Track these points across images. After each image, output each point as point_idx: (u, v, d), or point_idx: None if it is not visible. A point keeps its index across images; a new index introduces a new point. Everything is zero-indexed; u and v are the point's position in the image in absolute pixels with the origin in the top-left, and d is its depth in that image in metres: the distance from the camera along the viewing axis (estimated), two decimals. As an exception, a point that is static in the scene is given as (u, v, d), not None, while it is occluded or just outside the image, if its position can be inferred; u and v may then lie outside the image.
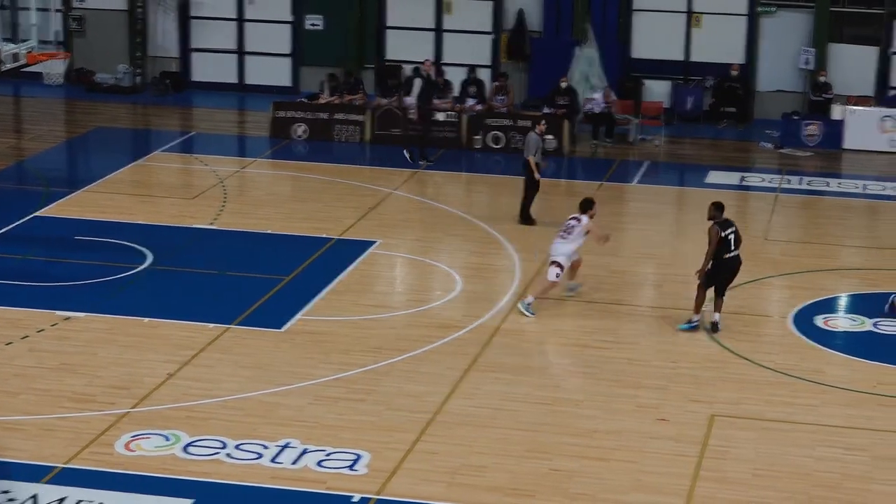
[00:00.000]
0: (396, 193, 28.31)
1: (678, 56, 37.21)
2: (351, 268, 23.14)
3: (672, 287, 22.56)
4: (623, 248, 24.92)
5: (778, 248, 24.79)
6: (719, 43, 36.80)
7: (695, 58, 37.10)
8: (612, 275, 23.17)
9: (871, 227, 27.34)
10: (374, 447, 16.09)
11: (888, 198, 29.11)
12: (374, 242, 24.57)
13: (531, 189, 26.23)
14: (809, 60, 36.21)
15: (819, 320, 20.97)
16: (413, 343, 19.54)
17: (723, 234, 20.16)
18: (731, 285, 20.62)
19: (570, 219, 21.71)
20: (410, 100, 32.92)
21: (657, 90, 36.83)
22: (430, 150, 31.13)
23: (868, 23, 36.55)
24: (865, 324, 20.89)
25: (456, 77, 34.54)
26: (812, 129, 33.86)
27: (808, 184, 29.94)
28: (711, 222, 20.29)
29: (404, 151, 31.10)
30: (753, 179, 30.18)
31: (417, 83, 32.11)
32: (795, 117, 34.24)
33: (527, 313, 20.94)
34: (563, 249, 21.41)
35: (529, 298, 21.21)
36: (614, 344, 19.83)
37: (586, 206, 21.68)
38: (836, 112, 34.12)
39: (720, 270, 20.28)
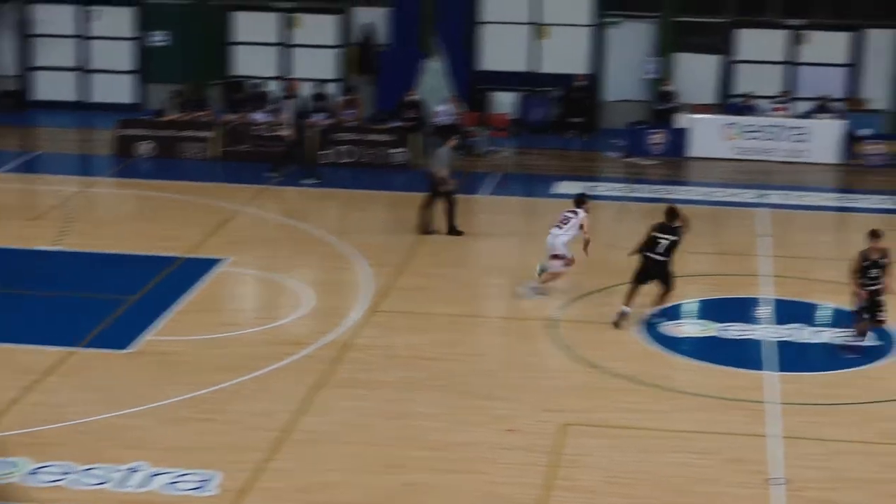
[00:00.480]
0: (245, 210, 28.13)
1: (525, 67, 37.57)
2: (200, 286, 22.92)
3: (523, 298, 22.74)
4: (473, 260, 25.06)
5: (625, 256, 25.08)
6: (565, 54, 37.25)
7: (542, 69, 37.49)
8: (463, 287, 23.27)
9: (717, 233, 27.85)
10: (226, 467, 15.93)
11: (733, 204, 29.70)
12: (224, 260, 24.37)
13: (443, 199, 26.28)
14: (654, 70, 36.81)
15: (667, 327, 21.29)
16: (263, 361, 19.40)
17: (653, 234, 21.29)
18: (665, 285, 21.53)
19: (567, 211, 22.72)
20: (261, 116, 32.77)
21: (505, 102, 37.16)
22: (286, 167, 30.92)
23: (711, 32, 37.27)
24: (711, 329, 21.26)
25: (303, 92, 34.46)
26: (657, 137, 34.41)
27: (654, 192, 30.41)
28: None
29: (270, 172, 30.77)
30: (601, 188, 30.56)
31: (291, 103, 31.89)
32: (641, 126, 34.78)
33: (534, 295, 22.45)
34: (559, 242, 22.50)
35: (537, 287, 22.57)
36: (466, 356, 19.91)
37: (582, 200, 22.78)
38: (681, 120, 34.72)
39: (643, 265, 21.39)
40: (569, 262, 22.75)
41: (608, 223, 27.47)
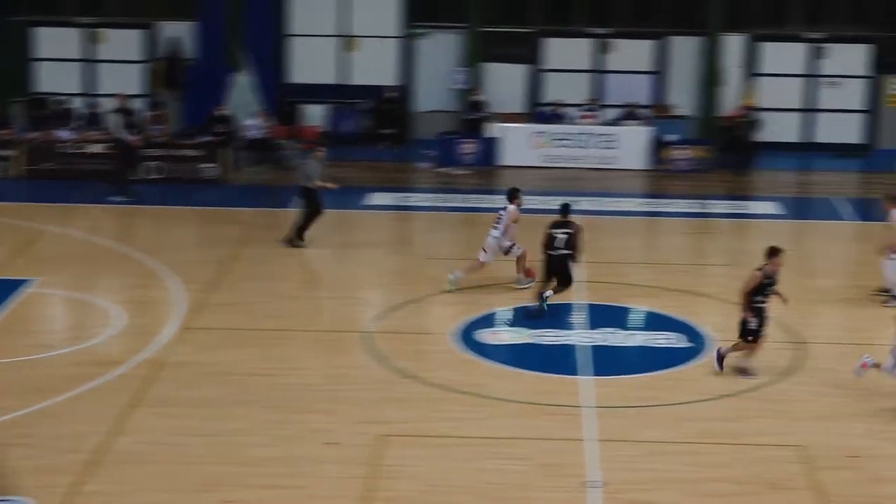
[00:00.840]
0: (53, 229, 27.55)
1: (335, 80, 37.56)
2: (7, 308, 22.36)
3: (338, 310, 22.68)
4: (288, 274, 24.93)
5: (438, 265, 25.22)
6: (375, 66, 37.36)
7: (351, 81, 37.52)
8: (278, 301, 23.12)
9: (530, 240, 28.10)
10: (37, 492, 15.54)
11: (544, 212, 30.01)
12: (32, 281, 23.82)
13: (313, 214, 26.44)
14: (463, 80, 37.10)
15: (481, 334, 21.44)
16: (75, 382, 19.00)
17: (549, 231, 22.48)
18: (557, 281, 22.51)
19: (500, 209, 23.84)
20: (66, 133, 32.18)
21: (315, 114, 37.09)
22: (124, 188, 30.23)
23: (518, 41, 37.71)
24: (526, 335, 21.46)
25: (107, 107, 33.93)
26: (468, 147, 34.69)
27: (466, 201, 30.62)
28: None
29: (116, 196, 30.14)
30: (413, 199, 30.66)
31: (117, 117, 31.28)
32: (452, 137, 35.02)
33: (451, 286, 23.32)
34: (491, 236, 23.70)
35: (456, 274, 23.44)
36: (282, 370, 19.77)
37: (512, 195, 23.66)
38: (491, 130, 35.06)
39: (548, 264, 22.56)
40: (521, 258, 23.81)
41: (422, 234, 27.55)
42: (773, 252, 19.53)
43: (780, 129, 37.16)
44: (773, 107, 36.91)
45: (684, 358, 20.52)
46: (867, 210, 31.39)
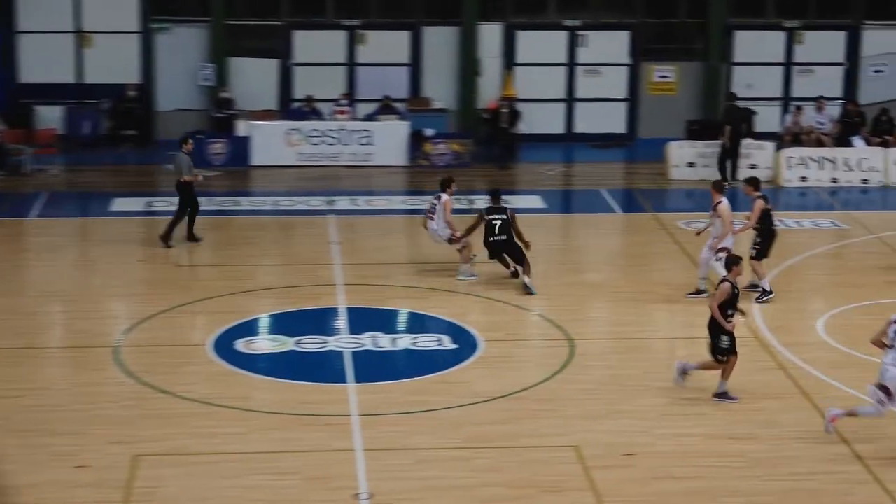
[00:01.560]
0: None
1: (71, 79, 36.75)
2: None
3: (83, 324, 22.18)
4: (26, 288, 24.29)
5: (190, 273, 24.91)
6: (113, 63, 36.67)
7: (89, 79, 36.77)
8: (17, 318, 22.48)
9: (286, 243, 28.04)
10: None
11: (300, 212, 29.97)
12: None
13: (192, 207, 26.78)
14: (209, 76, 36.71)
15: (240, 344, 21.22)
16: None
17: (486, 217, 23.99)
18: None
19: (433, 198, 24.69)
20: None
21: (50, 116, 36.22)
22: None
23: (266, 35, 37.50)
24: (287, 343, 21.33)
25: None
26: (217, 147, 34.33)
27: (218, 204, 30.29)
28: None
29: None
30: (160, 204, 30.20)
31: None
32: (200, 136, 34.57)
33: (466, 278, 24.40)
34: (430, 228, 24.71)
35: (465, 268, 24.40)
36: (24, 391, 19.21)
37: (445, 184, 24.74)
38: (241, 128, 34.77)
39: (490, 249, 24.20)
40: (466, 252, 24.55)
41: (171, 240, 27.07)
42: (734, 261, 19.27)
43: (541, 119, 37.75)
44: (533, 97, 37.47)
45: (452, 360, 20.67)
46: (630, 201, 32.17)
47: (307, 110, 35.90)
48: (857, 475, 16.78)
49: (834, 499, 16.21)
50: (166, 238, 26.50)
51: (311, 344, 21.29)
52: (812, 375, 20.20)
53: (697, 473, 16.75)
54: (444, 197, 24.69)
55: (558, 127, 38.63)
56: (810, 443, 17.71)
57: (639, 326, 22.53)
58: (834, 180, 33.18)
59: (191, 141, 27.97)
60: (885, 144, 33.99)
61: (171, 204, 30.19)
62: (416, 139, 35.15)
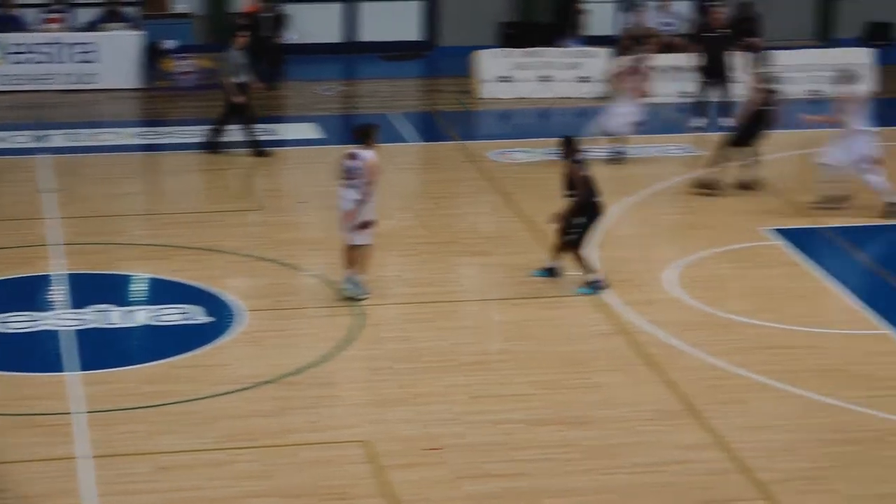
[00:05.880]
0: None
1: None
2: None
3: None
4: None
5: None
6: None
7: None
8: None
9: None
10: None
11: (3, 152, 29.58)
12: None
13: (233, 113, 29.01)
14: None
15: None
16: None
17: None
18: None
19: (346, 157, 21.66)
20: None
21: None
22: None
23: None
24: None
25: None
26: None
27: None
28: None
29: None
30: None
31: None
32: None
33: (362, 295, 21.76)
34: (349, 201, 21.54)
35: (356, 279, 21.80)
36: None
37: (364, 134, 21.74)
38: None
39: None
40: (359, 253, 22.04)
41: None
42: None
43: (315, 25, 37.69)
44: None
45: (206, 337, 20.66)
46: (430, 127, 32.34)
47: (5, 18, 35.33)
48: (717, 464, 17.19)
49: (688, 494, 16.57)
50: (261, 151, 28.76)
51: (19, 322, 21.09)
52: (661, 341, 20.59)
53: (519, 470, 16.99)
54: (369, 155, 21.67)
55: (337, 35, 38.61)
56: (660, 426, 18.08)
57: (443, 286, 22.73)
58: (683, 94, 33.62)
59: (245, 34, 29.84)
60: (749, 49, 34.57)
61: None
62: (153, 54, 34.87)
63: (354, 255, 21.78)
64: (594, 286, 22.18)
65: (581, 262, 22.28)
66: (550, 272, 22.62)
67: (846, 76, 26.21)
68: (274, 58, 35.56)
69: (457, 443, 17.60)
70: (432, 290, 22.52)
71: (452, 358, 19.95)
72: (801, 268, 23.52)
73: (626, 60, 29.85)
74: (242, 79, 29.49)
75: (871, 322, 21.48)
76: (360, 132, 21.91)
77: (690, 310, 21.77)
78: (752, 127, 26.81)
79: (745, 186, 26.97)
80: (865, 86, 30.45)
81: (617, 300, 21.95)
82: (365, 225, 21.62)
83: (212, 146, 29.26)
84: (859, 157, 25.54)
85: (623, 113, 28.77)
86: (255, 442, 17.59)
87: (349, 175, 21.58)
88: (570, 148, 22.52)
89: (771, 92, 26.92)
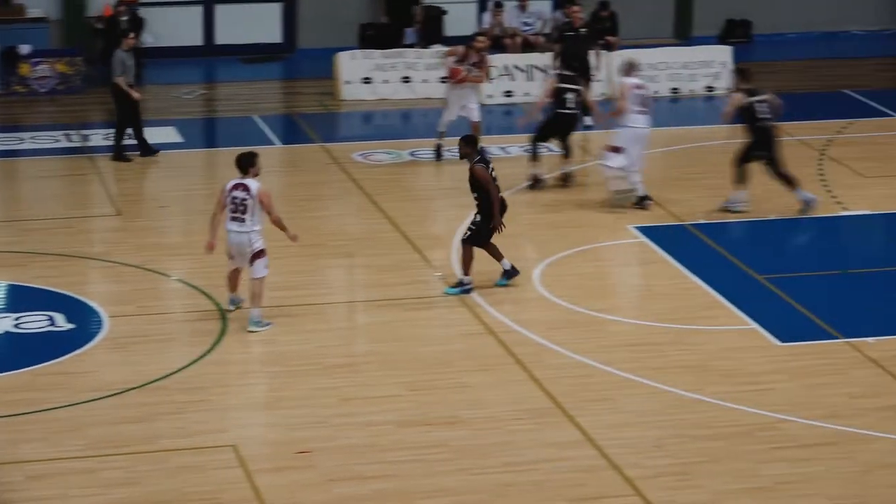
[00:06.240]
0: None
1: None
2: None
3: None
4: None
5: None
6: None
7: None
8: None
9: None
10: None
11: None
12: None
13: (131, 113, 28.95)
14: None
15: None
16: None
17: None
18: None
19: (233, 188, 20.76)
20: None
21: None
22: None
23: None
24: None
25: None
26: None
27: None
28: None
29: None
30: None
31: None
32: None
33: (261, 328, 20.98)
34: (251, 237, 20.82)
35: (256, 313, 20.98)
36: None
37: (247, 162, 20.92)
38: None
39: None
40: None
41: None
42: None
43: (172, 28, 37.45)
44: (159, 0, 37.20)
45: (69, 345, 20.51)
46: (292, 129, 32.26)
47: None
48: (587, 461, 17.31)
49: (559, 492, 16.68)
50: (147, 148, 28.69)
51: None
52: (529, 340, 20.70)
53: (389, 471, 17.04)
54: (255, 185, 20.88)
55: (195, 38, 38.38)
56: (530, 425, 18.19)
57: (309, 289, 22.70)
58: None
59: (132, 35, 29.88)
60: (607, 48, 34.80)
61: None
62: (8, 59, 34.52)
63: (255, 289, 21.09)
64: (463, 288, 22.25)
65: (465, 261, 22.33)
66: (508, 274, 22.75)
67: (628, 66, 26.51)
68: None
69: (326, 445, 17.62)
70: (298, 294, 22.48)
71: (319, 361, 19.96)
72: (667, 265, 23.74)
73: (452, 58, 29.56)
74: (131, 80, 29.30)
75: (735, 317, 21.74)
76: (244, 161, 21.07)
77: (557, 308, 21.92)
78: (550, 123, 27.51)
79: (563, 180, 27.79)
80: (725, 82, 30.79)
81: (484, 300, 22.03)
82: (260, 254, 21.02)
83: (120, 151, 29.19)
84: (637, 155, 25.90)
85: (475, 108, 28.90)
86: (123, 448, 17.51)
87: (238, 207, 20.82)
88: (470, 148, 22.58)
89: (571, 91, 27.25)
